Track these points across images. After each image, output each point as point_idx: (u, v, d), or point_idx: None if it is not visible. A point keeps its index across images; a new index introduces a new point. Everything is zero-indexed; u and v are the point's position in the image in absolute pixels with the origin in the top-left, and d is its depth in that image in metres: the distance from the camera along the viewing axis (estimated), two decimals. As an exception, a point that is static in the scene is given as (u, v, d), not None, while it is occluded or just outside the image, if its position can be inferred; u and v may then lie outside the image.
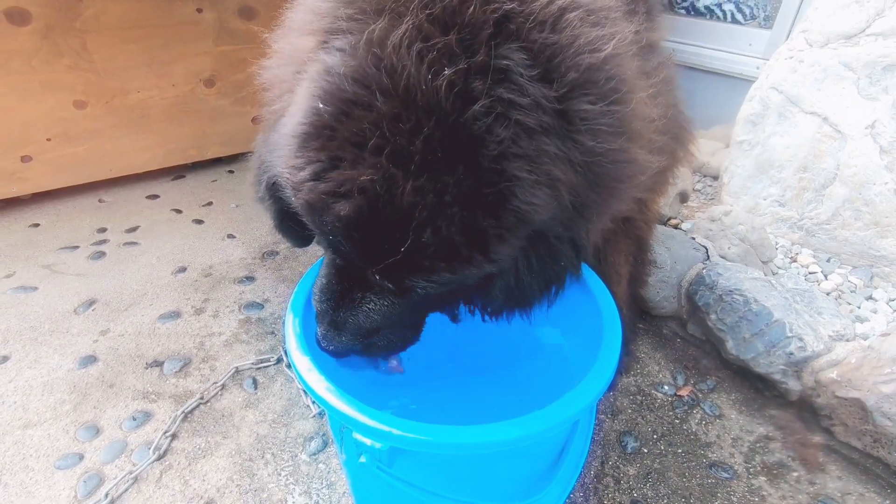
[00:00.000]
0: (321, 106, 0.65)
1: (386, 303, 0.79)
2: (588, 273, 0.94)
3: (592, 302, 0.93)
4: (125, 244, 2.08)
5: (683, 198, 2.04)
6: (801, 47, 1.71)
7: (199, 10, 2.31)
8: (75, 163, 2.29)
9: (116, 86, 2.25)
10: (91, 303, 1.76)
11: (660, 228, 1.77)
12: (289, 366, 1.52)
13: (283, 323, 0.89)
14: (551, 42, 0.67)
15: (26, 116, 2.10)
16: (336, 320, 0.80)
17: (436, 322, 0.94)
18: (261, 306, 1.76)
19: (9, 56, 1.98)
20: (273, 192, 0.84)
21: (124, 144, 2.38)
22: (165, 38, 2.27)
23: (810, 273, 1.70)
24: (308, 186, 0.66)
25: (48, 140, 2.18)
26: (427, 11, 0.65)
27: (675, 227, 1.96)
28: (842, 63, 1.60)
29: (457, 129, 0.62)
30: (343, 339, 0.81)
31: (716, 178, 2.36)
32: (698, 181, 2.38)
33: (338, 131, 0.64)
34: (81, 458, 1.27)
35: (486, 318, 0.90)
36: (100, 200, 2.38)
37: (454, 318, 0.96)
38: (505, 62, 0.64)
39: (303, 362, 0.79)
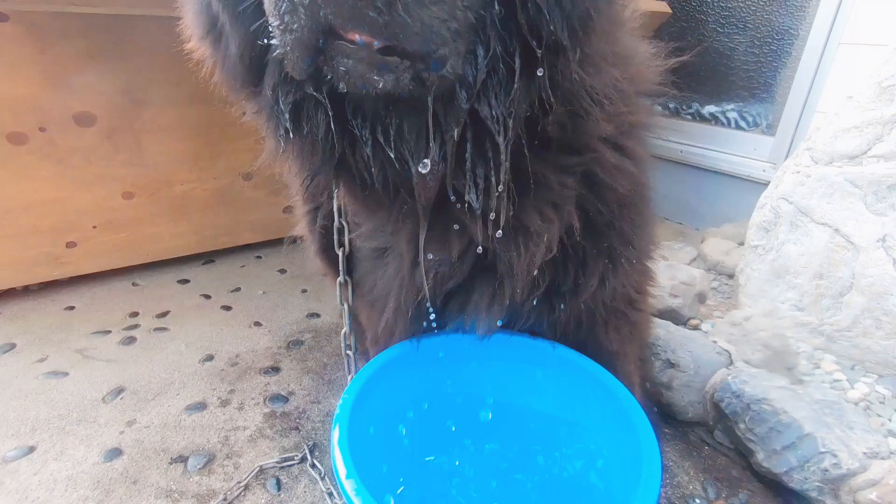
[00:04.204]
0: None
1: None
2: (622, 393, 0.97)
3: (628, 424, 0.94)
4: (155, 329, 2.13)
5: (701, 298, 2.09)
6: (807, 163, 1.83)
7: (245, 112, 2.52)
8: (115, 248, 2.41)
9: (163, 178, 2.42)
10: (119, 391, 1.78)
11: (680, 331, 1.80)
12: (312, 465, 1.51)
13: (330, 439, 0.90)
14: None
15: (78, 205, 2.25)
16: None
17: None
18: (285, 399, 1.77)
19: (72, 152, 2.16)
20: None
21: (162, 231, 2.51)
22: (212, 137, 2.47)
23: (835, 381, 1.70)
24: None
25: (94, 227, 2.32)
26: None
27: (695, 327, 1.99)
28: (847, 180, 1.71)
29: None
30: None
31: (731, 276, 2.42)
32: (714, 279, 2.43)
33: None
34: (100, 563, 1.24)
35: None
36: (133, 284, 2.47)
37: None
38: None
39: (350, 485, 0.80)
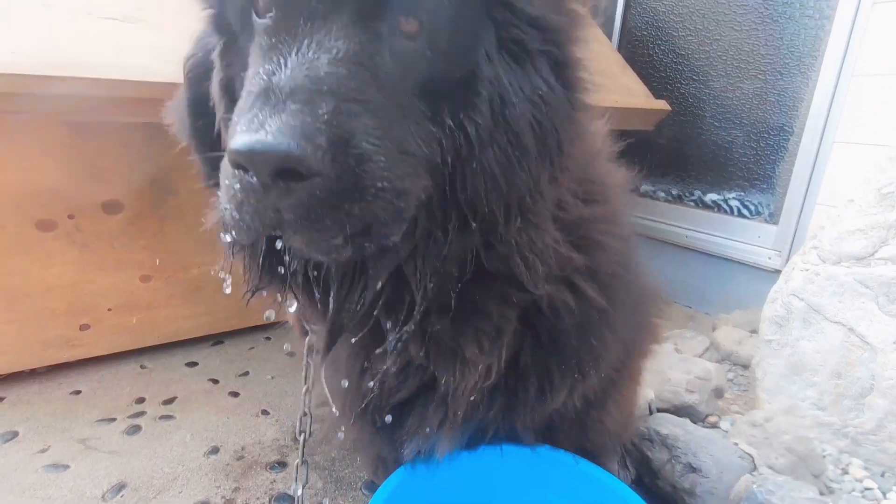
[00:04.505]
0: None
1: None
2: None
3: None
4: (161, 417, 2.09)
5: (718, 393, 2.05)
6: (815, 262, 1.86)
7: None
8: (127, 330, 2.41)
9: (180, 262, 2.47)
10: (121, 487, 1.72)
11: (699, 431, 1.75)
12: (318, 579, 1.42)
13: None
14: None
15: (96, 288, 2.28)
16: (280, 86, 0.58)
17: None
18: (292, 500, 1.70)
19: (96, 237, 2.22)
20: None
21: (175, 313, 2.52)
22: (231, 222, 2.55)
23: (866, 489, 1.62)
24: None
25: (109, 310, 2.34)
26: None
27: (714, 425, 1.94)
28: (857, 280, 1.73)
29: None
30: (290, 119, 0.55)
31: (746, 367, 2.39)
32: (729, 370, 2.39)
33: None
34: None
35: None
36: (141, 366, 2.45)
37: None
38: None
39: None
